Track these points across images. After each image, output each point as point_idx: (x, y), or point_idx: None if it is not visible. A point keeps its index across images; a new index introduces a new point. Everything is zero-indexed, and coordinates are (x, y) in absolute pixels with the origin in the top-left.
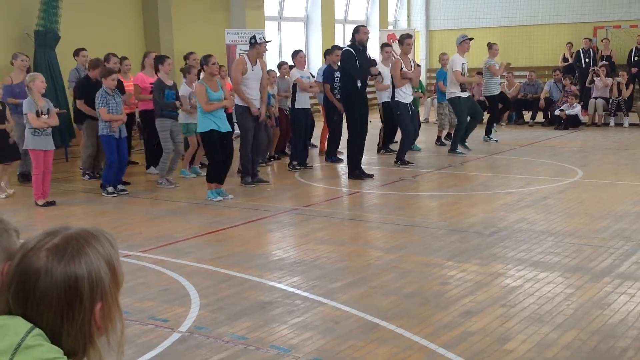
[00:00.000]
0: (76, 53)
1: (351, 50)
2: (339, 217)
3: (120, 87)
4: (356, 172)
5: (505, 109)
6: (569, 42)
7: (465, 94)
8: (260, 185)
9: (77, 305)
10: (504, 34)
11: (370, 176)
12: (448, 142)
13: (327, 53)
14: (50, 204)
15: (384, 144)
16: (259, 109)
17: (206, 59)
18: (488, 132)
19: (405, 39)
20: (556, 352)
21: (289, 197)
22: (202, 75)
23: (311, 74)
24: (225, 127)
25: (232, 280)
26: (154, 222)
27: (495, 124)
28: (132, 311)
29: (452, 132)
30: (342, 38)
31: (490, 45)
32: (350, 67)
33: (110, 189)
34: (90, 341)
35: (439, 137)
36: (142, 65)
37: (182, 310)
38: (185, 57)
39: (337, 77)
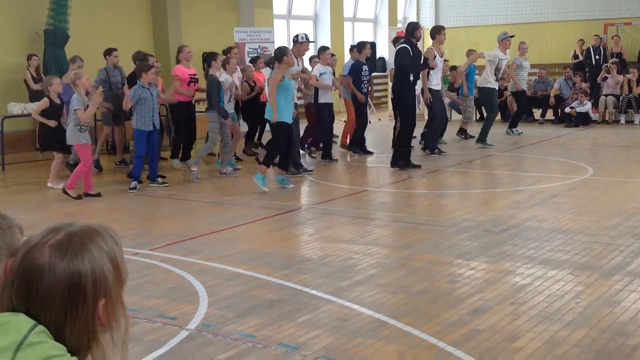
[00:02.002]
0: (108, 52)
1: (407, 47)
2: (348, 215)
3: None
4: (401, 163)
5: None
6: (581, 39)
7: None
8: (304, 175)
9: (81, 302)
10: (514, 31)
11: (418, 166)
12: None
13: (356, 48)
14: (97, 195)
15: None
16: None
17: (285, 50)
18: (513, 125)
19: (441, 30)
20: (566, 350)
21: (298, 195)
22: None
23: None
24: (290, 111)
25: (241, 278)
26: (163, 220)
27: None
28: (140, 309)
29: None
30: (352, 36)
31: (519, 44)
32: (406, 63)
33: (133, 184)
34: (94, 338)
35: (463, 130)
36: (177, 59)
37: (191, 308)
38: (226, 52)
39: (365, 70)
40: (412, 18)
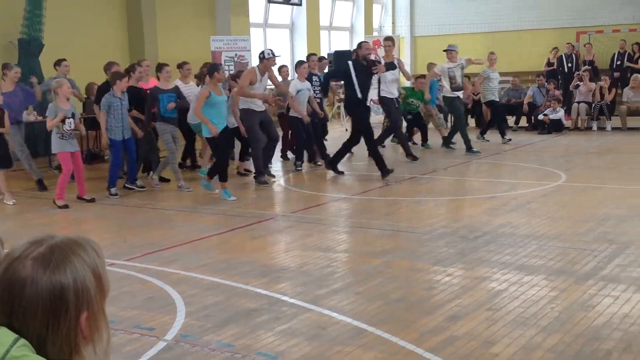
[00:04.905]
0: (57, 63)
1: (349, 65)
2: (325, 223)
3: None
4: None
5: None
6: (555, 47)
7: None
8: (269, 179)
9: (63, 315)
10: (487, 39)
11: (342, 173)
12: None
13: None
14: (90, 200)
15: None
16: (263, 109)
17: (217, 67)
18: (484, 132)
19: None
20: (541, 355)
21: (275, 203)
22: (207, 80)
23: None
24: (222, 124)
25: (218, 287)
26: (139, 229)
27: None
28: (117, 320)
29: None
30: (328, 44)
31: (488, 55)
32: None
33: (113, 190)
34: (76, 350)
35: (444, 137)
36: (157, 77)
37: (168, 319)
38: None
39: (315, 81)
40: (388, 26)
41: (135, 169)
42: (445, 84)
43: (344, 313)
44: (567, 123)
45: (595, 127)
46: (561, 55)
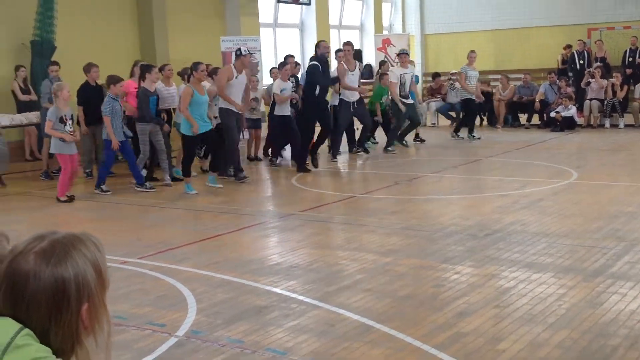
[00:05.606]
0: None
1: (317, 64)
2: (335, 221)
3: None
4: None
5: (471, 115)
6: (568, 45)
7: (408, 100)
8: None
9: (65, 306)
10: (498, 37)
11: (309, 170)
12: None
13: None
14: (72, 198)
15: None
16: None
17: (196, 65)
18: (471, 130)
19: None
20: (548, 352)
21: (285, 202)
22: (191, 79)
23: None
24: (205, 127)
25: (229, 285)
26: (151, 229)
27: (467, 127)
28: (130, 317)
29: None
30: (338, 43)
31: (468, 53)
32: (316, 79)
33: (104, 187)
34: (78, 341)
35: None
36: (131, 73)
37: (179, 315)
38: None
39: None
40: (398, 25)
41: (138, 171)
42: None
43: (353, 310)
44: (579, 120)
45: (607, 125)
46: (573, 52)
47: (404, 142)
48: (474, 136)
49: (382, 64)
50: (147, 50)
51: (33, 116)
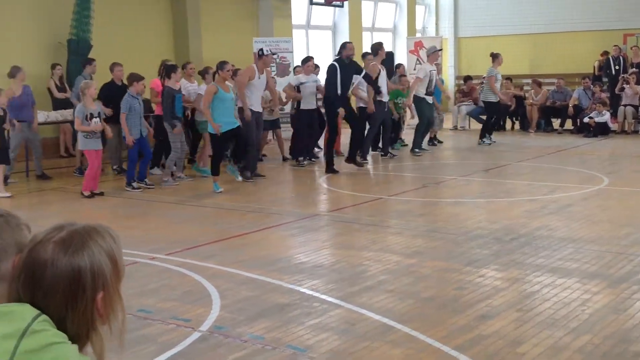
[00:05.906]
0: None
1: (336, 64)
2: (361, 222)
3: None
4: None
5: (497, 119)
6: (605, 51)
7: (429, 98)
8: (256, 180)
9: (80, 294)
10: (532, 41)
11: (337, 172)
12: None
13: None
14: (99, 194)
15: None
16: (260, 111)
17: (222, 64)
18: (482, 136)
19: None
20: (568, 356)
21: (311, 202)
22: (216, 77)
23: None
24: (232, 124)
25: (253, 282)
26: (179, 226)
27: (487, 133)
28: (155, 311)
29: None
30: (370, 46)
31: (495, 55)
32: (333, 81)
33: (135, 184)
34: (93, 327)
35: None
36: (159, 72)
37: (203, 311)
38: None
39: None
40: (431, 28)
41: (146, 167)
42: (422, 87)
43: (374, 310)
44: (613, 126)
45: None
46: (608, 58)
47: (416, 150)
48: (484, 141)
49: (398, 66)
50: (181, 50)
51: (68, 113)
